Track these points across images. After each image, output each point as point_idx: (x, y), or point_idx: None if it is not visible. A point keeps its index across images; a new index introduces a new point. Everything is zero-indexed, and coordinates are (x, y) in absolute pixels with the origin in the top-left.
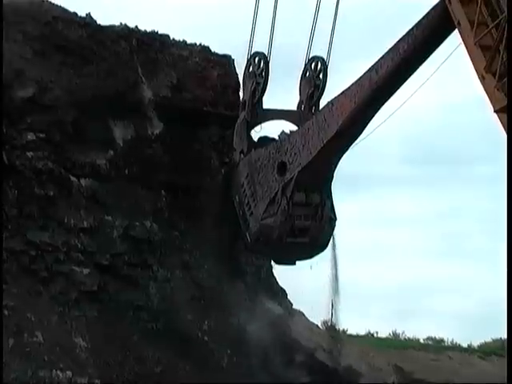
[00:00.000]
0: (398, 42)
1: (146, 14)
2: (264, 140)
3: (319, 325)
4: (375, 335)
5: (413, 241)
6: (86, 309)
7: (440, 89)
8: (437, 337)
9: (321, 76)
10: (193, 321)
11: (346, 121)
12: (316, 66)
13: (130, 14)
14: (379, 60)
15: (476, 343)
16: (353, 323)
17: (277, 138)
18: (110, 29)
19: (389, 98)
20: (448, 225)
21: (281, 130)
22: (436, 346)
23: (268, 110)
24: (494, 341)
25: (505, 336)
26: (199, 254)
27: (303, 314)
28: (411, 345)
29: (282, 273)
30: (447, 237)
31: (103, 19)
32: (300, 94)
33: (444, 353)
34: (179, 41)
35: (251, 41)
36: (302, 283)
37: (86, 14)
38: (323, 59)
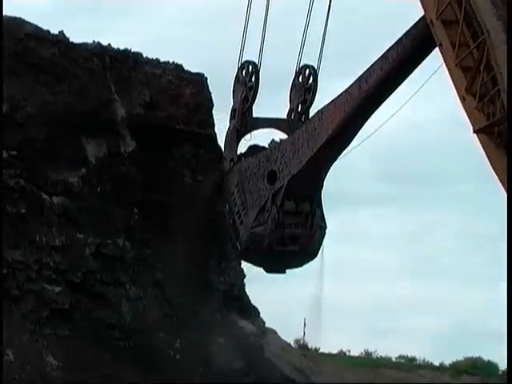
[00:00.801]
0: (387, 51)
1: (119, 33)
2: (254, 148)
3: (292, 343)
4: (347, 354)
5: (386, 259)
6: (58, 327)
7: (414, 108)
8: (409, 355)
9: (311, 83)
10: (165, 339)
11: (336, 129)
12: (306, 74)
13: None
14: (368, 69)
15: (448, 362)
16: (325, 342)
17: (267, 146)
18: (83, 46)
19: (378, 106)
20: (422, 243)
21: (271, 139)
22: (408, 365)
23: (258, 119)
24: (466, 359)
25: (476, 355)
26: (172, 271)
27: (276, 333)
28: (383, 363)
29: (254, 291)
30: (421, 255)
31: (76, 37)
32: (290, 103)
33: (416, 371)
34: (152, 59)
35: (241, 49)
36: (275, 301)
37: (59, 32)
38: (313, 67)
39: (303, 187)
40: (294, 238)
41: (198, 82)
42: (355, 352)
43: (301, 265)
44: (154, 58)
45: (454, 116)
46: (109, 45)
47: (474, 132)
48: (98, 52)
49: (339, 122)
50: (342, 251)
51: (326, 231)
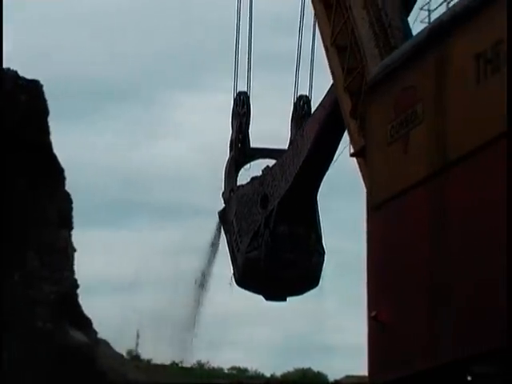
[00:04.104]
0: None
1: None
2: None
3: (124, 354)
4: (180, 365)
5: (226, 271)
6: None
7: (256, 121)
8: (241, 366)
9: (306, 110)
10: None
11: (314, 143)
12: (302, 104)
13: None
14: None
15: (279, 373)
16: (158, 353)
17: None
18: None
19: None
20: None
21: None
22: (239, 376)
23: (255, 149)
24: (296, 370)
25: (306, 366)
26: None
27: (108, 343)
28: (215, 374)
29: (87, 301)
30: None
31: None
32: (291, 133)
33: (247, 381)
34: None
35: (235, 80)
36: (107, 312)
37: None
38: (307, 96)
39: (294, 209)
40: (291, 263)
41: (34, 88)
42: (188, 363)
43: (301, 292)
44: None
45: None
46: None
47: (351, 155)
48: None
49: (315, 136)
50: (179, 263)
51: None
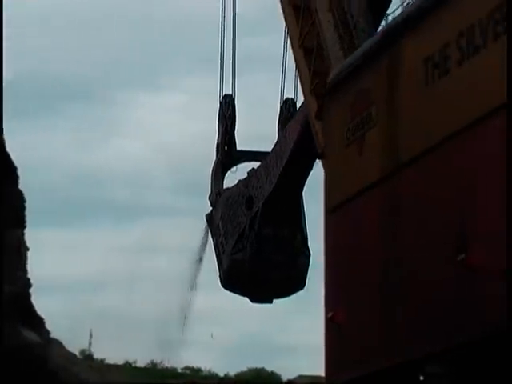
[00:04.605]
0: None
1: None
2: None
3: (77, 354)
4: (133, 364)
5: (181, 270)
6: None
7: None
8: (194, 366)
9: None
10: None
11: (296, 144)
12: (288, 106)
13: None
14: None
15: (232, 373)
16: (111, 352)
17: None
18: None
19: None
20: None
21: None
22: (193, 375)
23: (242, 152)
24: (250, 370)
25: (260, 366)
26: None
27: (61, 343)
28: (168, 374)
29: (40, 301)
30: (214, 267)
31: None
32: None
33: (201, 381)
34: None
35: (221, 83)
36: (61, 311)
37: None
38: (293, 100)
39: (279, 210)
40: (276, 265)
41: None
42: (141, 363)
43: (288, 294)
44: None
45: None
46: None
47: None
48: None
49: (297, 137)
50: (135, 262)
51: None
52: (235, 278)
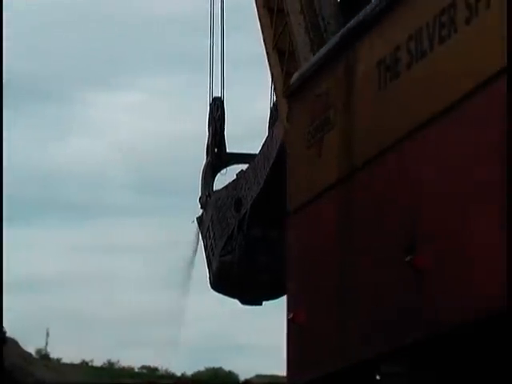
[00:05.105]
0: None
1: None
2: None
3: (33, 353)
4: (90, 364)
5: (139, 270)
6: None
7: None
8: (151, 366)
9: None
10: None
11: (283, 145)
12: (276, 109)
13: None
14: None
15: (190, 372)
16: (68, 352)
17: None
18: None
19: None
20: (172, 255)
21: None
22: (150, 375)
23: (232, 154)
24: (207, 370)
25: (217, 365)
26: None
27: (16, 342)
28: (125, 374)
29: None
30: (171, 267)
31: None
32: None
33: (158, 381)
34: None
35: (210, 87)
36: (16, 310)
37: None
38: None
39: (267, 211)
40: (265, 267)
41: None
42: (98, 362)
43: (277, 296)
44: None
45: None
46: None
47: None
48: None
49: (283, 138)
50: (97, 262)
51: None
52: (224, 280)
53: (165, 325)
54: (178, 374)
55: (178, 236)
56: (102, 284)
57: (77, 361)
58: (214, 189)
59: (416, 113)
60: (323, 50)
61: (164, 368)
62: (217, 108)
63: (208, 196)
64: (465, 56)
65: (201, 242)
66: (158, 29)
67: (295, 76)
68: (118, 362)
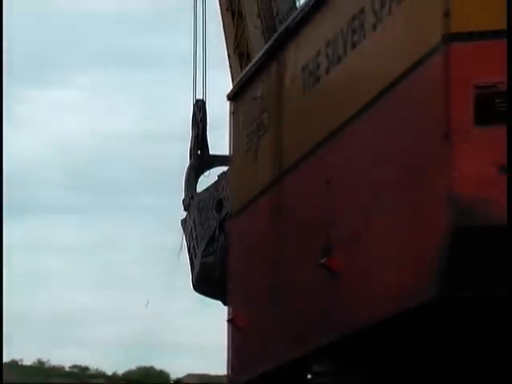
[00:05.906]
0: None
1: None
2: None
3: None
4: (20, 363)
5: (68, 269)
6: None
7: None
8: (82, 365)
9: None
10: None
11: None
12: None
13: None
14: None
15: (121, 371)
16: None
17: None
18: None
19: None
20: (106, 254)
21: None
22: (81, 374)
23: (215, 156)
24: (139, 369)
25: (149, 364)
26: None
27: None
28: (55, 373)
29: None
30: (104, 266)
31: None
32: None
33: (89, 381)
34: None
35: (194, 90)
36: None
37: None
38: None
39: None
40: None
41: None
42: (28, 361)
43: None
44: None
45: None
46: None
47: None
48: None
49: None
50: (27, 260)
51: None
52: (206, 282)
53: (96, 324)
54: (109, 373)
55: (112, 235)
56: (31, 283)
57: (6, 359)
58: (197, 191)
59: (332, 118)
60: (260, 54)
61: (95, 367)
62: (199, 110)
63: (191, 198)
64: (373, 60)
65: (185, 244)
66: (95, 26)
67: (237, 79)
68: (48, 361)
